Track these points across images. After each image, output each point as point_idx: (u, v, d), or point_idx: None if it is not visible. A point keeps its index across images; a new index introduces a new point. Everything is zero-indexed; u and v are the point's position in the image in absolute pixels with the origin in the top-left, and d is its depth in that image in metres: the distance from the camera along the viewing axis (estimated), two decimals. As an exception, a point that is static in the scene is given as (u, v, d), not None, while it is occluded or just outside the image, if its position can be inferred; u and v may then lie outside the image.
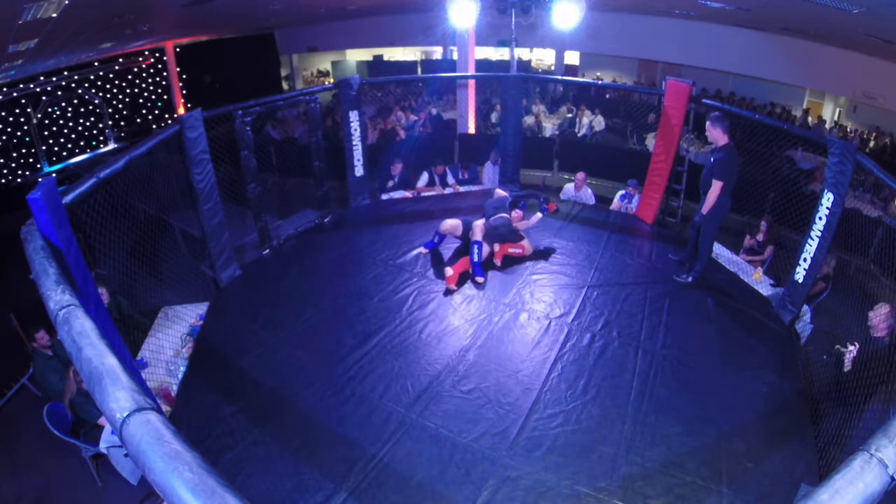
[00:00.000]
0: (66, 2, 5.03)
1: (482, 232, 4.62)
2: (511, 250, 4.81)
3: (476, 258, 4.54)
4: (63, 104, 10.17)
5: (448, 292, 4.38)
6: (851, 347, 3.32)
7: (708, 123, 4.20)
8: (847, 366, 3.32)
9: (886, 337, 3.11)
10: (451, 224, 4.85)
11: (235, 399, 3.26)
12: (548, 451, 2.90)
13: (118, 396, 1.19)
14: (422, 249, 4.98)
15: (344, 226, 5.66)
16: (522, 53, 14.58)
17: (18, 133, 9.45)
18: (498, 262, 4.70)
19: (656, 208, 5.63)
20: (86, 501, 3.37)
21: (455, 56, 10.01)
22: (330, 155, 5.79)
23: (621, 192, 6.25)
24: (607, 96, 12.65)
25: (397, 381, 3.40)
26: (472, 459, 2.84)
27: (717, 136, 4.14)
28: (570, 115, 10.97)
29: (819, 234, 3.81)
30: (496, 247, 4.73)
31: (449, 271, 4.43)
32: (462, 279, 4.52)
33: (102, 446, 3.17)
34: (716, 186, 4.12)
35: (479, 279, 4.50)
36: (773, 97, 12.21)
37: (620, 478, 2.74)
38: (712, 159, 4.20)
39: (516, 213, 4.90)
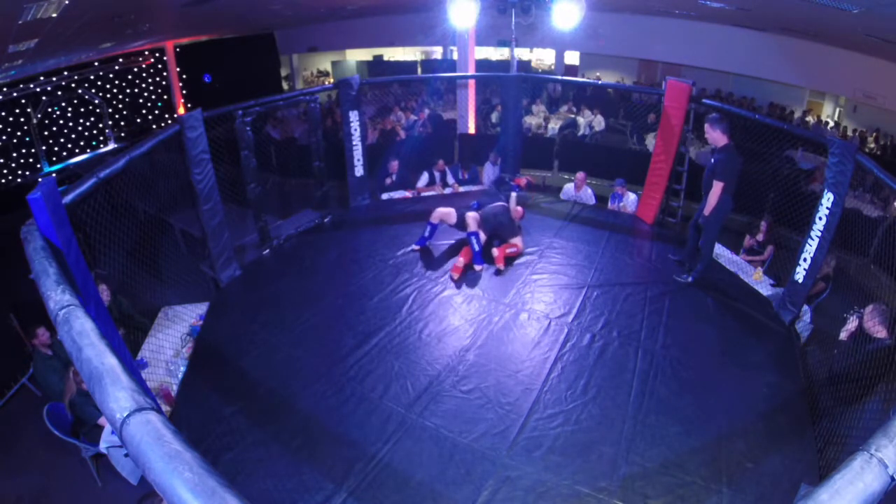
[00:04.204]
0: (66, 2, 5.03)
1: (476, 222, 4.66)
2: (508, 250, 4.82)
3: (476, 247, 4.63)
4: (63, 104, 10.17)
5: (448, 280, 4.46)
6: (852, 320, 3.36)
7: (707, 125, 4.19)
8: (842, 335, 3.39)
9: (888, 339, 3.11)
10: (445, 211, 4.88)
11: (235, 399, 3.26)
12: (548, 451, 2.90)
13: (118, 396, 1.19)
14: (414, 247, 5.00)
15: (344, 226, 5.66)
16: (522, 53, 14.55)
17: (18, 133, 9.45)
18: (501, 265, 4.68)
19: (656, 208, 5.63)
20: (86, 501, 3.37)
21: (455, 56, 10.01)
22: (330, 155, 5.79)
23: (613, 192, 6.28)
24: (610, 92, 12.63)
25: (397, 381, 3.40)
26: (472, 459, 2.84)
27: (716, 137, 4.14)
28: (572, 116, 10.97)
29: (819, 234, 3.81)
30: (495, 251, 4.73)
31: (460, 261, 4.56)
32: (465, 269, 4.61)
33: (102, 446, 3.17)
34: (717, 187, 4.12)
35: (478, 267, 4.62)
36: (774, 97, 12.20)
37: (620, 478, 2.74)
38: (713, 160, 4.20)
39: (516, 210, 4.94)
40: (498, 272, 4.65)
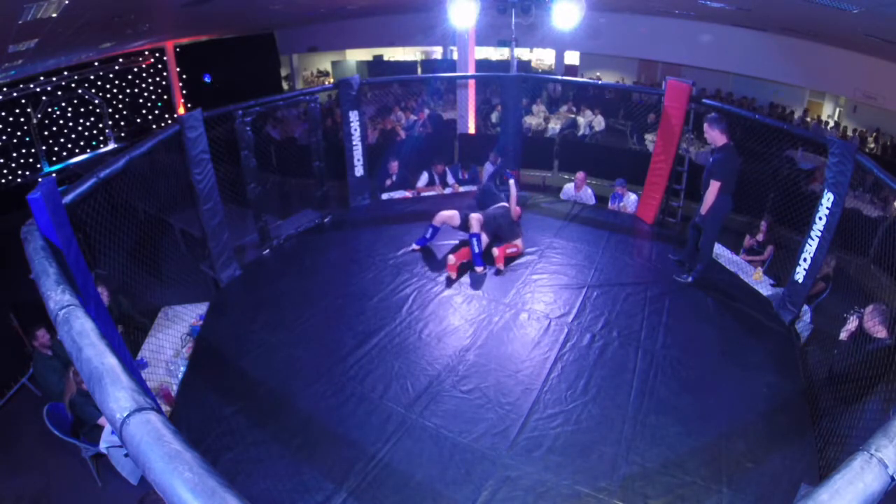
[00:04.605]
0: (66, 2, 5.03)
1: (479, 224, 4.66)
2: (508, 250, 4.82)
3: (476, 249, 4.62)
4: (63, 104, 10.17)
5: (448, 280, 4.45)
6: (852, 320, 3.38)
7: (705, 125, 4.21)
8: (842, 335, 3.41)
9: (888, 339, 3.11)
10: (448, 214, 4.89)
11: (235, 399, 3.26)
12: (548, 451, 2.90)
13: (118, 396, 1.19)
14: (414, 246, 5.00)
15: (344, 226, 5.66)
16: (522, 53, 14.55)
17: (18, 133, 9.45)
18: (501, 266, 4.69)
19: (656, 208, 5.63)
20: (86, 501, 3.37)
21: (455, 56, 10.01)
22: (330, 155, 5.79)
23: (613, 192, 6.28)
24: (609, 92, 12.62)
25: (397, 381, 3.40)
26: (472, 459, 2.84)
27: (714, 136, 4.15)
28: (572, 116, 10.97)
29: (819, 234, 3.81)
30: (495, 251, 4.73)
31: (451, 259, 4.53)
32: (462, 268, 4.59)
33: (102, 446, 3.18)
34: (713, 186, 4.13)
35: (479, 268, 4.61)
36: (773, 97, 12.21)
37: (620, 478, 2.74)
38: (711, 159, 4.21)
39: (515, 210, 4.94)
40: (498, 272, 4.65)
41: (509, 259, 4.80)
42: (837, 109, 11.70)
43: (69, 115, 10.31)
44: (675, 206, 5.67)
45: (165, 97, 12.29)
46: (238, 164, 4.76)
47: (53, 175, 8.52)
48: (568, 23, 5.87)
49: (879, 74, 8.65)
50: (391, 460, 2.83)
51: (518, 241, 4.93)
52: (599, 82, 11.90)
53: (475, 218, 4.68)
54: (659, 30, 11.13)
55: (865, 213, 6.12)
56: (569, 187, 6.52)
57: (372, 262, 4.81)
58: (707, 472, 2.76)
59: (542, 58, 15.79)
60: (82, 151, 10.60)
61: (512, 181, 4.99)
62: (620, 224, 5.67)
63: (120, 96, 11.31)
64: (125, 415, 1.14)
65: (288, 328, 3.95)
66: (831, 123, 11.46)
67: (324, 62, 16.38)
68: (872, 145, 10.34)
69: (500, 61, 13.78)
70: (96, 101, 10.68)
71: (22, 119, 9.43)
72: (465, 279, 4.55)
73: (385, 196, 6.39)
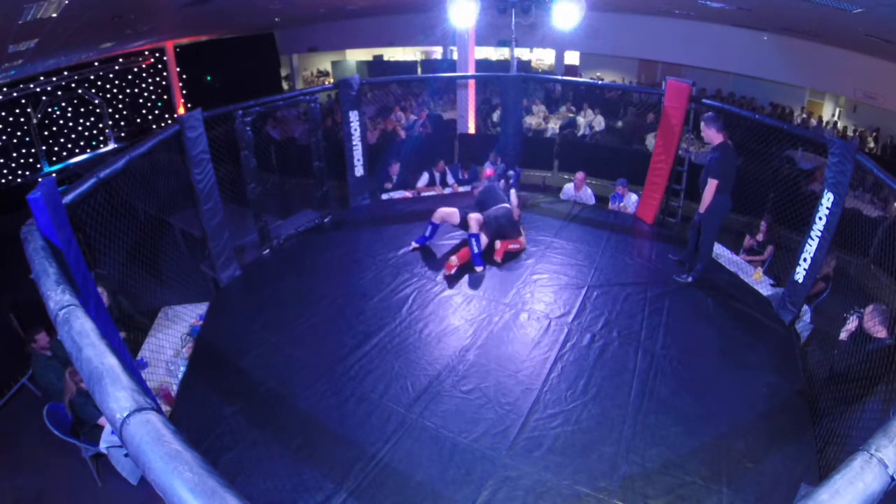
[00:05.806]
0: (66, 2, 5.03)
1: (478, 224, 4.66)
2: (510, 246, 4.84)
3: (476, 249, 4.62)
4: (63, 104, 10.17)
5: (448, 280, 4.47)
6: (852, 320, 3.38)
7: (702, 124, 4.22)
8: (842, 335, 3.41)
9: (888, 338, 3.11)
10: (448, 211, 4.90)
11: (235, 399, 3.26)
12: (548, 451, 2.90)
13: (118, 396, 1.19)
14: (414, 245, 5.00)
15: (344, 226, 5.66)
16: (522, 53, 14.55)
17: (18, 133, 9.45)
18: (499, 259, 4.73)
19: (656, 208, 5.63)
20: (86, 501, 3.37)
21: (455, 56, 10.01)
22: (330, 155, 5.79)
23: (613, 193, 6.28)
24: (607, 96, 12.62)
25: (397, 381, 3.40)
26: (472, 459, 2.84)
27: (711, 135, 4.16)
28: (571, 115, 10.97)
29: (819, 234, 3.81)
30: (497, 244, 4.75)
31: (453, 259, 4.56)
32: (463, 268, 4.61)
33: (102, 446, 3.17)
34: (711, 185, 4.13)
35: (479, 268, 4.62)
36: (774, 97, 12.21)
37: (620, 478, 2.74)
38: (708, 158, 4.22)
39: (516, 201, 4.95)
40: (496, 265, 4.68)
41: (510, 254, 4.81)
42: (837, 109, 11.69)
43: (69, 115, 10.31)
44: (676, 206, 5.67)
45: (165, 97, 12.29)
46: (238, 164, 4.76)
47: (53, 175, 8.52)
48: (568, 23, 5.87)
49: (879, 74, 8.65)
50: (391, 460, 2.83)
51: (521, 238, 4.96)
52: (599, 82, 11.89)
53: (474, 218, 4.68)
54: (659, 30, 11.13)
55: (865, 213, 6.11)
56: (569, 187, 6.52)
57: (372, 262, 4.81)
58: (707, 472, 2.76)
59: (542, 58, 15.79)
60: (82, 151, 10.60)
61: (513, 191, 5.05)
62: (620, 224, 5.67)
63: (120, 96, 11.31)
64: (125, 415, 1.14)
65: (288, 328, 3.95)
66: (831, 124, 11.46)
67: (324, 62, 16.38)
68: (872, 145, 10.34)
69: (500, 61, 13.79)
70: (96, 101, 10.68)
71: (22, 119, 9.43)
72: (465, 279, 4.55)
73: (385, 196, 6.40)
